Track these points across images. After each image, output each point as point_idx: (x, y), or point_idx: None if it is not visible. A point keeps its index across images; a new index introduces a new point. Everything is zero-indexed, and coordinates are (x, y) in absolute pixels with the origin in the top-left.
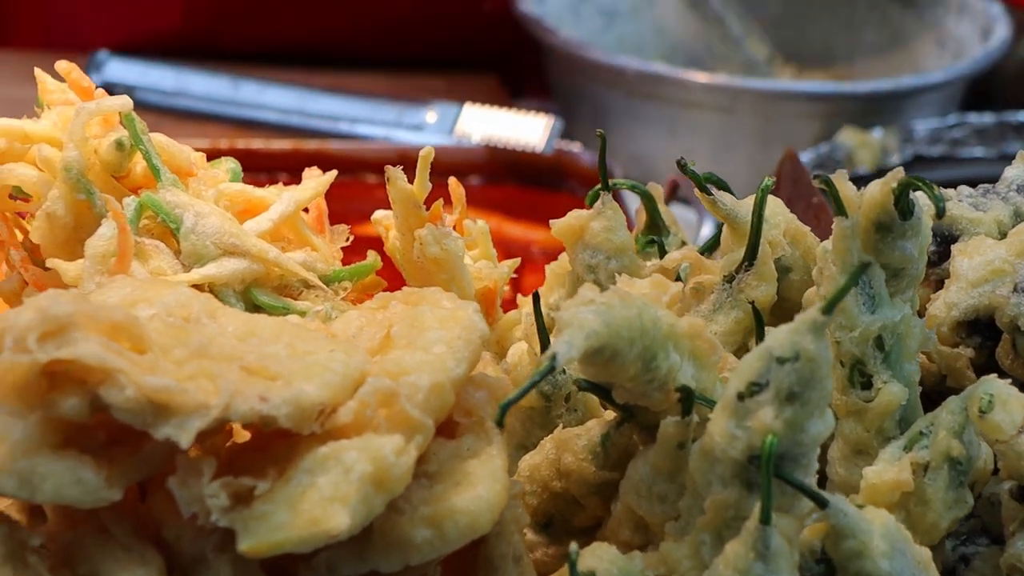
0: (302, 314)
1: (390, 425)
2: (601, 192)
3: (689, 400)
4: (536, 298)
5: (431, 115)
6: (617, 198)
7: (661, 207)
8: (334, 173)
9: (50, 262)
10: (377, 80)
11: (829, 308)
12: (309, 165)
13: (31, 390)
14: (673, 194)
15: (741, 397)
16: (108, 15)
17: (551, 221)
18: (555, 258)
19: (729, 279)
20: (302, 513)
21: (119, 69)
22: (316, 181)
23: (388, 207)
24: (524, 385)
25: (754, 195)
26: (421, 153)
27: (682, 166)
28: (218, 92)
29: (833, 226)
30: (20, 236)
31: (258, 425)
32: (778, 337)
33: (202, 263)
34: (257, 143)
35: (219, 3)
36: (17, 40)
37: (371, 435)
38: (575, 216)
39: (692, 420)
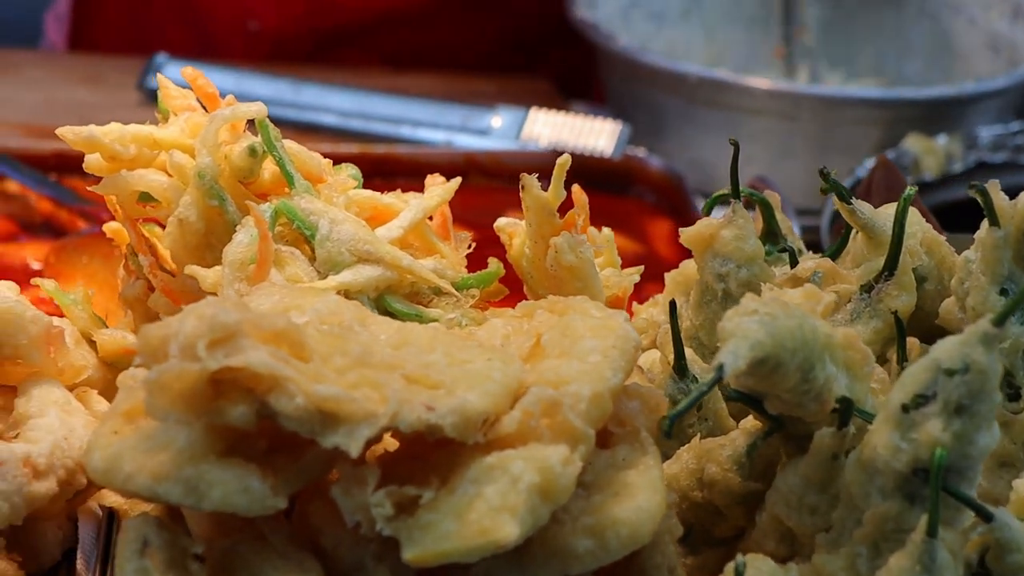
0: (434, 321)
1: (553, 435)
2: (732, 200)
3: (848, 411)
4: (673, 306)
5: (496, 119)
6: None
7: (778, 215)
8: (458, 180)
9: (188, 269)
10: (431, 82)
11: (1001, 320)
12: (376, 170)
13: (198, 398)
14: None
15: (906, 409)
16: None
17: (680, 229)
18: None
19: (867, 288)
20: (470, 523)
21: (179, 72)
22: (442, 188)
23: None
24: (692, 395)
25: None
26: (559, 161)
27: (825, 175)
28: (279, 95)
29: (978, 235)
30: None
31: (423, 434)
32: (946, 349)
33: (337, 270)
34: (325, 147)
35: None
36: (95, 47)
37: (536, 445)
38: (705, 224)
39: (849, 432)
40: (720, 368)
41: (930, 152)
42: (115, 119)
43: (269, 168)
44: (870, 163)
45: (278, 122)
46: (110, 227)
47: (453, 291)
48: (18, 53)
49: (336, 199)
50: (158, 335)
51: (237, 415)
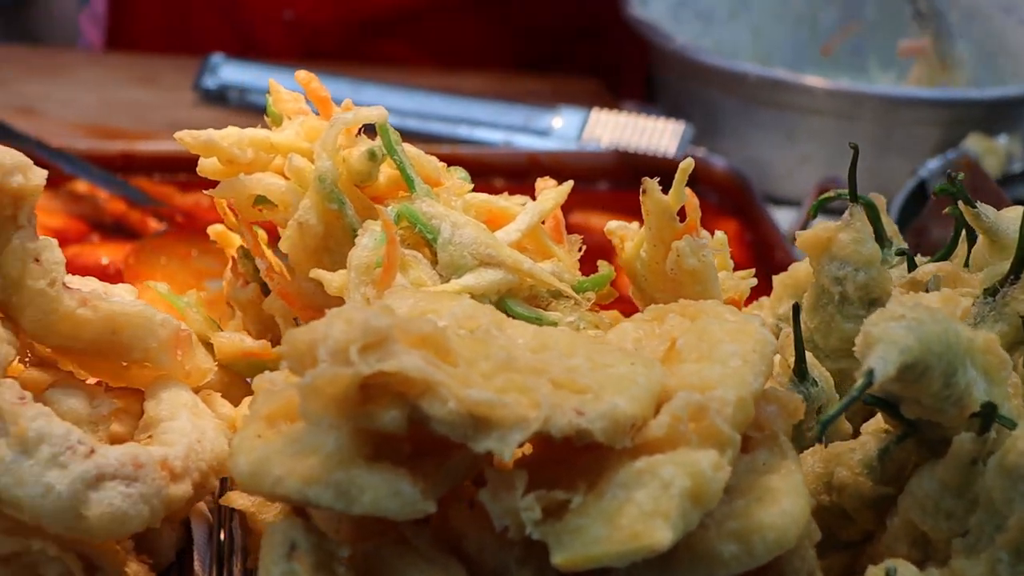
0: (553, 324)
1: (700, 439)
2: (850, 204)
3: (991, 417)
4: (796, 310)
5: (557, 120)
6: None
7: (884, 218)
8: (571, 184)
9: (313, 272)
10: (481, 81)
11: None
12: None
13: (348, 402)
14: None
15: None
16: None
17: (797, 232)
18: None
19: (992, 292)
20: (622, 528)
21: (234, 72)
22: (556, 192)
23: None
24: (843, 401)
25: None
26: (681, 165)
27: (952, 178)
28: (337, 94)
29: None
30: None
31: (572, 439)
32: None
33: (460, 274)
34: None
35: None
36: (133, 43)
37: (685, 450)
38: (822, 228)
39: (990, 437)
40: (870, 374)
41: (991, 152)
42: (172, 119)
43: (385, 172)
44: (932, 163)
45: None
46: (214, 230)
47: (573, 294)
48: (71, 53)
49: (454, 202)
50: (305, 339)
51: (388, 420)
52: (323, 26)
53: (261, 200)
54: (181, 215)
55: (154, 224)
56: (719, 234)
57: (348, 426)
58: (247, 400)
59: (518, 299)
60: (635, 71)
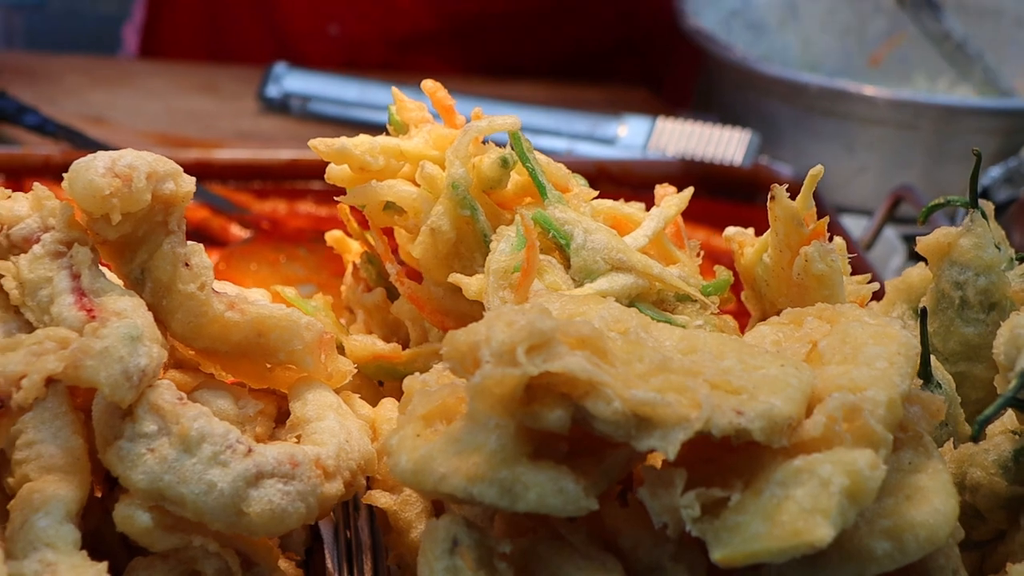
0: (682, 328)
1: (855, 439)
2: (970, 209)
3: None
4: (923, 314)
5: (623, 128)
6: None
7: (992, 224)
8: (691, 190)
9: (452, 277)
10: (529, 91)
11: None
12: None
13: (514, 402)
14: (893, 210)
15: None
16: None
17: (918, 238)
18: None
19: None
20: (781, 524)
21: (297, 81)
22: (678, 198)
23: None
24: (998, 401)
25: None
26: (811, 172)
27: None
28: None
29: None
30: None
31: (730, 438)
32: None
33: (592, 278)
34: None
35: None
36: (191, 53)
37: (840, 449)
38: (943, 233)
39: None
40: (1022, 375)
41: None
42: (238, 127)
43: (511, 178)
44: (994, 171)
45: None
46: (332, 236)
47: (702, 298)
48: (131, 63)
49: (582, 208)
50: (467, 341)
51: (553, 419)
52: (366, 40)
53: (390, 206)
54: (267, 222)
55: (236, 231)
56: (838, 240)
57: (511, 425)
58: (385, 401)
59: (647, 303)
60: (681, 80)
